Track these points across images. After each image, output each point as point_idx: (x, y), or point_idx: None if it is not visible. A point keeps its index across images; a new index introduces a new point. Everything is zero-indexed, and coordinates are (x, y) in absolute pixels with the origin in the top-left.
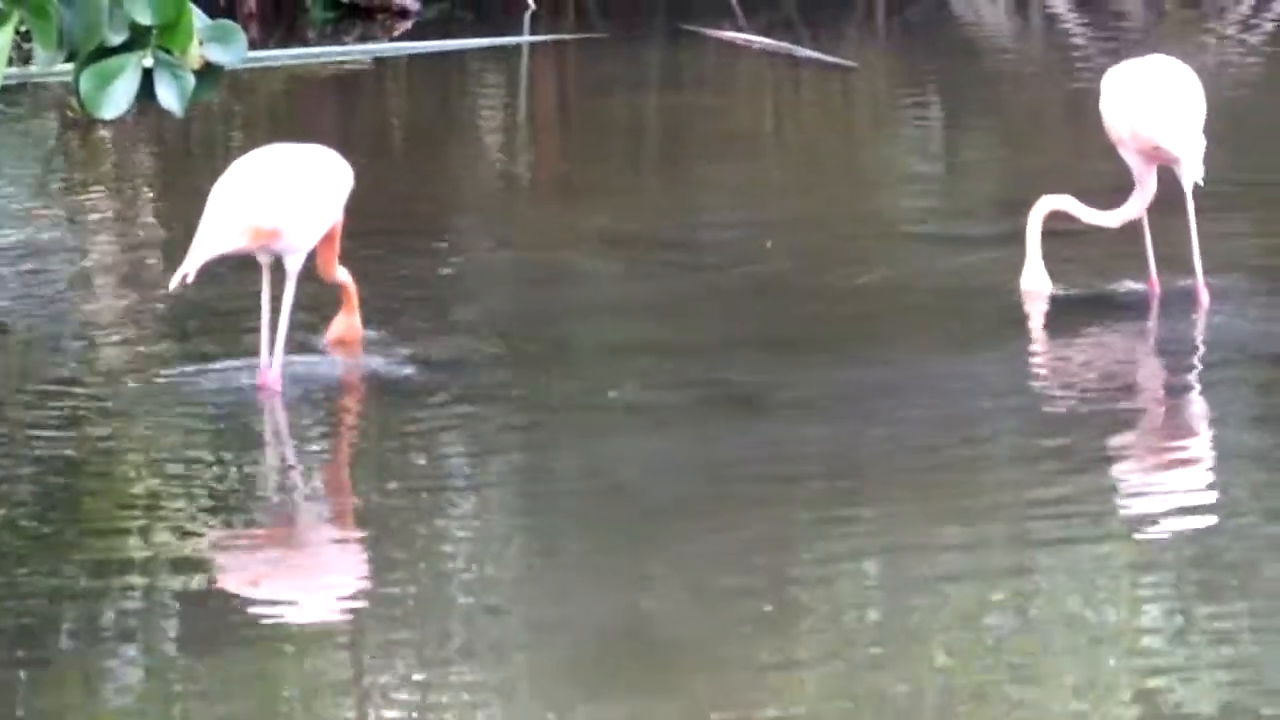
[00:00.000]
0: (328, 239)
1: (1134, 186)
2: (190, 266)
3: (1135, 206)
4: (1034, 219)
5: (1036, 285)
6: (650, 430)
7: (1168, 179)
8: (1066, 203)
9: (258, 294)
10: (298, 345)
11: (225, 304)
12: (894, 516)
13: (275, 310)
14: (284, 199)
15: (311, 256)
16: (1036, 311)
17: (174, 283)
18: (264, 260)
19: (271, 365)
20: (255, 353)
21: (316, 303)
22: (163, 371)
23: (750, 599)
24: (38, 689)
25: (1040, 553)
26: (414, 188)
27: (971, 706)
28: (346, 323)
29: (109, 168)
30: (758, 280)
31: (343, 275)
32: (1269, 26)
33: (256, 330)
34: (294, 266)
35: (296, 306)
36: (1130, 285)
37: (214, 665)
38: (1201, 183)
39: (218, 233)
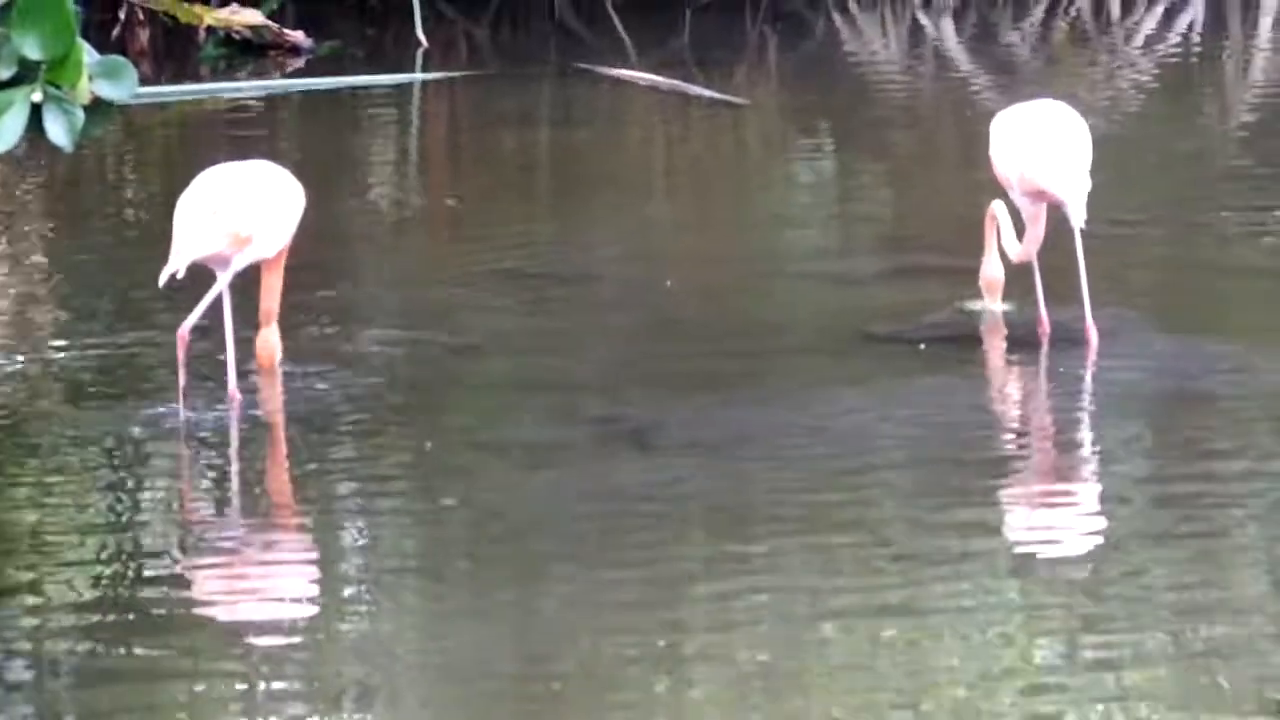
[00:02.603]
0: (275, 263)
1: (1023, 228)
2: (177, 265)
3: (1029, 249)
4: (987, 220)
5: (993, 273)
6: (541, 467)
7: (1057, 218)
8: (1004, 218)
9: (149, 339)
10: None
11: (113, 346)
12: (785, 554)
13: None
14: (259, 207)
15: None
16: (926, 350)
17: (163, 279)
18: (220, 270)
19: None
20: (149, 393)
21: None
22: (55, 408)
23: (643, 636)
24: None
25: (930, 589)
26: (305, 223)
27: None
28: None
29: None
30: (649, 317)
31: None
32: (1155, 66)
33: (148, 372)
34: (226, 279)
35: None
36: (1020, 324)
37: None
38: (1084, 226)
39: (199, 236)
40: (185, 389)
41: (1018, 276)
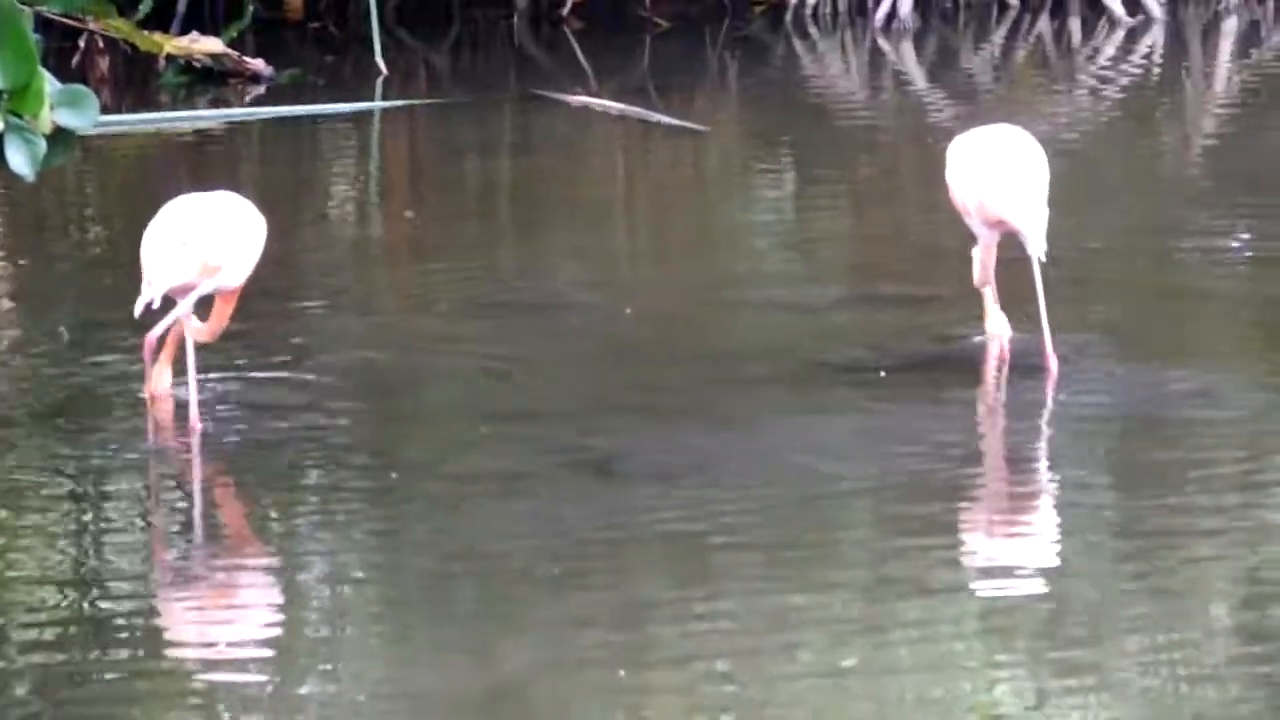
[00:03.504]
0: (232, 292)
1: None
2: (152, 294)
3: (984, 276)
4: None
5: (998, 329)
6: (505, 496)
7: (1016, 244)
8: (978, 256)
9: (111, 368)
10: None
11: (73, 376)
12: (748, 583)
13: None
14: (227, 238)
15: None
16: (887, 377)
17: (138, 309)
18: (181, 298)
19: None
20: (110, 424)
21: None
22: (14, 437)
23: (605, 667)
24: None
25: (893, 619)
26: (266, 252)
27: None
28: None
29: None
30: (610, 346)
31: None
32: (1116, 90)
33: (109, 402)
34: (189, 304)
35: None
36: (981, 352)
37: None
38: (1043, 258)
39: (172, 266)
40: (153, 395)
41: (973, 307)
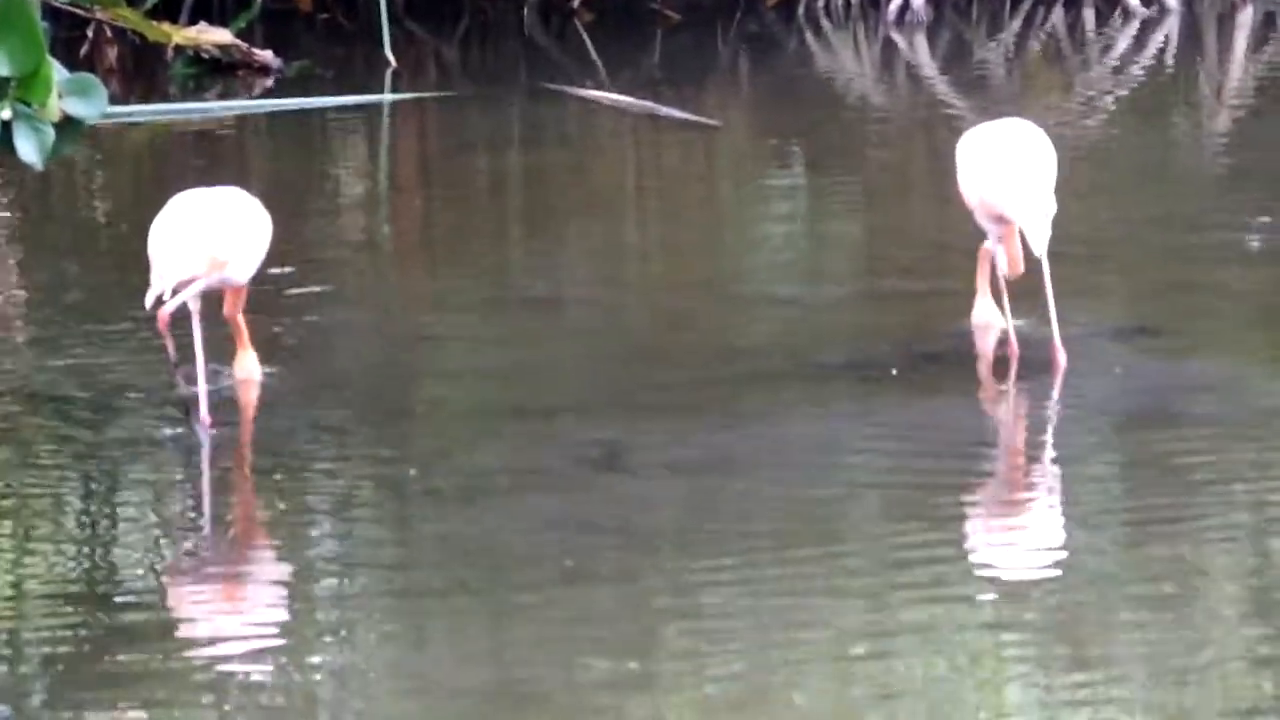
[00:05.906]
0: (240, 289)
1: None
2: (161, 288)
3: (1012, 269)
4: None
5: (986, 319)
6: (516, 491)
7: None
8: (999, 252)
9: (119, 361)
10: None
11: (80, 369)
12: (758, 578)
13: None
14: (234, 232)
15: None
16: (898, 375)
17: (149, 303)
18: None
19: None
20: (119, 417)
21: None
22: (22, 431)
23: (615, 658)
24: None
25: (902, 614)
26: (273, 246)
27: None
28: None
29: None
30: (622, 342)
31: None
32: (1130, 82)
33: (118, 395)
34: (196, 288)
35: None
36: (993, 348)
37: None
38: (1042, 255)
39: (180, 260)
40: (175, 361)
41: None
